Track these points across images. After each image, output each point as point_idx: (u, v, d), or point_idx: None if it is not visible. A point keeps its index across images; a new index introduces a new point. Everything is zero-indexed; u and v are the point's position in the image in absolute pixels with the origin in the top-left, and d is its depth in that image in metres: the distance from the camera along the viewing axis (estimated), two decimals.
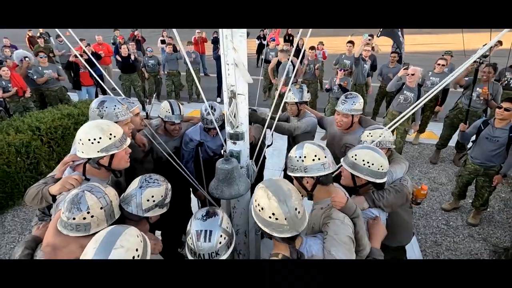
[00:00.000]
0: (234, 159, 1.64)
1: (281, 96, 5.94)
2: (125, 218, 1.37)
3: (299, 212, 1.13)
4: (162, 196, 1.45)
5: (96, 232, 1.14)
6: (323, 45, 8.18)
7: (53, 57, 8.44)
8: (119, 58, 6.87)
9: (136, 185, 1.42)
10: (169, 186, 1.52)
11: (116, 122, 1.67)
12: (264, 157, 2.96)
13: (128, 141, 1.56)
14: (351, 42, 6.33)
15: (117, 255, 0.93)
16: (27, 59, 5.75)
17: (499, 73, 5.13)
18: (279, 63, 6.03)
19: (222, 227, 1.25)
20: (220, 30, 1.36)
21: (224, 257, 1.26)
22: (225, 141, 1.76)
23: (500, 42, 5.74)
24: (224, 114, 2.33)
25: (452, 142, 4.80)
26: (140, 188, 1.40)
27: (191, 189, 2.83)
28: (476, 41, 5.99)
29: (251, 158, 1.84)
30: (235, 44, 1.36)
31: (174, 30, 1.20)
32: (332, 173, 1.45)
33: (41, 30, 10.43)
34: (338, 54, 6.61)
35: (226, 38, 1.35)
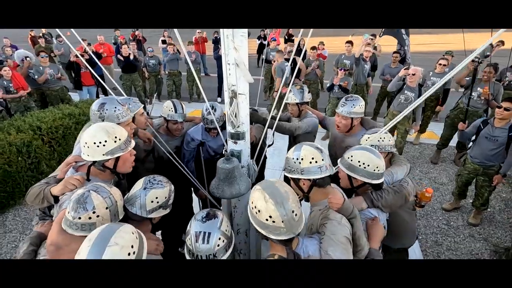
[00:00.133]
0: (235, 158, 1.64)
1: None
2: (128, 219, 1.37)
3: (296, 215, 1.13)
4: (165, 198, 1.46)
5: None
6: (324, 45, 8.19)
7: (54, 57, 8.45)
8: (121, 58, 6.88)
9: (140, 186, 1.42)
10: (172, 187, 1.53)
11: (118, 124, 1.68)
12: (265, 157, 2.96)
13: (133, 143, 1.56)
14: (349, 42, 6.32)
15: (111, 252, 0.92)
16: (28, 59, 5.77)
17: (500, 73, 5.13)
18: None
19: (221, 230, 1.25)
20: (221, 29, 1.36)
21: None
22: (226, 140, 1.76)
23: (502, 42, 5.74)
24: (225, 114, 2.34)
25: (453, 142, 4.80)
26: (144, 190, 1.40)
27: (192, 188, 2.83)
28: (477, 41, 5.98)
29: (252, 157, 1.84)
30: (236, 44, 1.36)
31: (175, 30, 1.20)
32: (330, 175, 1.45)
33: (43, 30, 10.44)
34: (338, 54, 6.60)
35: (227, 37, 1.35)
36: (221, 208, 2.09)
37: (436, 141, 4.96)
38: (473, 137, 3.33)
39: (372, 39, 7.52)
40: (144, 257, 1.02)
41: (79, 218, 1.17)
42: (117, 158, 1.48)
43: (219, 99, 7.67)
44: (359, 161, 1.53)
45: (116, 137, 1.44)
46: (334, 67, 6.51)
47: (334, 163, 1.77)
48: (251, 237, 1.93)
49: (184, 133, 2.53)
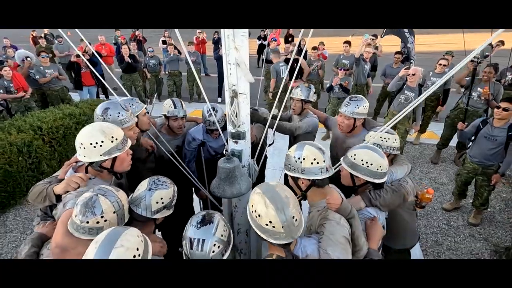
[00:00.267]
0: (235, 158, 1.64)
1: (274, 96, 5.96)
2: (133, 219, 1.38)
3: (296, 220, 1.13)
4: (170, 198, 1.47)
5: None
6: (324, 45, 8.20)
7: (54, 57, 8.46)
8: (128, 60, 6.81)
9: (145, 188, 1.42)
10: (176, 188, 1.53)
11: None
12: (265, 157, 2.97)
13: (130, 142, 1.56)
14: (347, 42, 6.32)
15: (117, 254, 0.94)
16: (28, 59, 5.78)
17: (500, 73, 5.13)
18: (286, 61, 6.02)
19: (216, 236, 1.23)
20: (222, 29, 1.36)
21: None
22: (227, 140, 1.76)
23: (502, 42, 5.74)
24: (225, 115, 2.35)
25: (453, 142, 4.81)
26: (150, 191, 1.41)
27: (193, 188, 2.83)
28: (477, 41, 5.97)
29: (252, 157, 1.84)
30: (237, 44, 1.36)
31: (176, 30, 1.20)
32: (328, 176, 1.45)
33: (45, 30, 10.44)
34: (338, 54, 6.60)
35: (228, 37, 1.35)
36: (221, 207, 2.10)
37: (436, 141, 4.97)
38: (473, 137, 3.33)
39: (373, 39, 7.53)
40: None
41: (87, 222, 1.17)
42: (114, 158, 1.47)
43: (219, 99, 7.68)
44: (362, 160, 1.53)
45: (112, 137, 1.43)
46: (333, 67, 6.51)
47: (335, 163, 1.77)
48: (251, 236, 1.94)
49: (186, 132, 2.54)
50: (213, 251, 1.21)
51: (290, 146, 2.99)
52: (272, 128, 2.38)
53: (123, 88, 2.19)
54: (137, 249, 0.98)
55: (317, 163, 1.39)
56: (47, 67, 5.77)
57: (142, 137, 2.19)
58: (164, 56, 7.56)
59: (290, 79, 1.98)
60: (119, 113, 1.74)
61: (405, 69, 4.52)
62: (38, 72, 5.65)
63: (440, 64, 4.87)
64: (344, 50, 6.33)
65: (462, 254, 3.10)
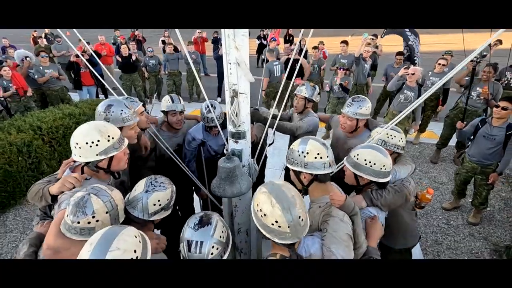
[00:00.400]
0: (236, 157, 1.64)
1: (270, 94, 5.94)
2: (130, 221, 1.35)
3: (302, 220, 1.12)
4: (168, 200, 1.43)
5: None
6: (324, 44, 8.20)
7: (53, 57, 8.45)
8: (119, 59, 6.88)
9: (142, 189, 1.39)
10: (174, 188, 1.50)
11: (122, 127, 1.65)
12: (265, 156, 2.97)
13: (126, 142, 1.52)
14: (344, 42, 6.31)
15: (113, 258, 0.89)
16: (28, 58, 5.77)
17: (500, 72, 5.14)
18: (287, 61, 6.02)
19: (214, 238, 1.20)
20: (222, 29, 1.37)
21: None
22: (227, 140, 1.76)
23: (500, 41, 5.75)
24: (224, 113, 2.35)
25: (453, 142, 4.81)
26: (146, 192, 1.37)
27: (193, 188, 2.84)
28: (477, 41, 5.99)
29: (252, 157, 1.85)
30: (238, 43, 1.36)
31: (177, 30, 1.20)
32: (331, 172, 1.46)
33: (46, 30, 10.42)
34: (336, 54, 6.60)
35: (228, 37, 1.35)
36: (221, 207, 2.10)
37: (436, 140, 4.97)
38: (472, 136, 3.34)
39: (373, 39, 7.53)
40: None
41: (78, 222, 1.13)
42: (111, 158, 1.44)
43: (218, 99, 7.68)
44: (365, 160, 1.52)
45: (109, 136, 1.40)
46: (331, 67, 6.52)
47: (336, 164, 1.77)
48: (251, 236, 1.94)
49: (186, 130, 2.54)
50: (212, 253, 1.18)
51: (290, 146, 3.00)
52: (273, 128, 2.38)
53: (121, 89, 2.19)
54: (135, 251, 0.94)
55: (321, 158, 1.39)
56: (46, 67, 5.76)
57: (143, 135, 2.18)
58: (164, 56, 7.56)
59: (290, 79, 1.98)
60: (122, 110, 1.72)
61: (404, 68, 4.52)
62: (38, 72, 5.65)
63: (439, 64, 4.87)
64: (341, 50, 6.33)
65: (462, 253, 3.11)
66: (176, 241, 1.77)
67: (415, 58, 5.67)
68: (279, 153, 4.60)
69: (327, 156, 1.41)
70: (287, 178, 1.72)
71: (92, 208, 1.15)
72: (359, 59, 5.51)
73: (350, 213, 1.37)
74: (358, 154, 1.56)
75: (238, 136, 1.65)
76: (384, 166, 1.52)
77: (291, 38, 11.92)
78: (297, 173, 1.47)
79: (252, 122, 2.43)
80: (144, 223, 1.41)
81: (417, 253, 3.04)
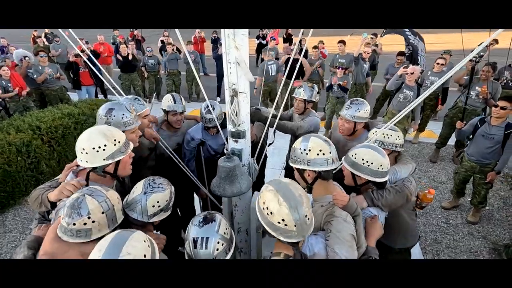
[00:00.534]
0: (235, 157, 1.64)
1: (265, 93, 5.94)
2: (129, 223, 1.34)
3: (308, 219, 1.12)
4: (167, 201, 1.43)
5: (97, 238, 1.11)
6: (323, 44, 8.20)
7: (52, 56, 8.43)
8: (120, 58, 6.88)
9: (140, 191, 1.38)
10: (173, 188, 1.50)
11: (123, 131, 1.62)
12: (265, 156, 2.97)
13: (132, 145, 1.52)
14: (342, 41, 6.32)
15: None
16: (27, 58, 5.76)
17: (498, 72, 5.15)
18: (287, 60, 6.03)
19: (219, 234, 1.21)
20: (222, 29, 1.37)
21: None
22: (226, 139, 1.77)
23: (496, 41, 5.76)
24: (223, 113, 2.35)
25: (452, 141, 4.83)
26: (145, 194, 1.36)
27: (193, 187, 2.83)
28: (475, 41, 6.00)
29: (252, 156, 1.85)
30: (237, 43, 1.36)
31: (176, 30, 1.20)
32: (334, 168, 1.46)
33: (46, 30, 10.38)
34: (334, 54, 6.61)
35: (228, 36, 1.35)
36: (221, 206, 2.10)
37: (435, 140, 4.99)
38: (470, 135, 3.35)
39: (373, 38, 7.54)
40: None
41: (74, 224, 1.11)
42: (117, 162, 1.42)
43: (218, 99, 7.68)
44: (363, 159, 1.53)
45: (115, 140, 1.39)
46: (329, 67, 6.52)
47: None
48: (251, 235, 1.94)
49: (186, 130, 2.54)
50: (217, 249, 1.19)
51: (290, 145, 3.00)
52: (273, 127, 2.38)
53: (119, 89, 2.18)
54: (144, 256, 0.94)
55: (323, 154, 1.40)
56: (45, 66, 5.75)
57: (146, 129, 2.16)
58: (163, 55, 7.55)
59: (290, 79, 1.98)
60: (123, 114, 1.70)
61: (403, 67, 4.53)
62: (37, 72, 5.63)
63: (438, 64, 4.89)
64: (339, 50, 6.33)
65: (461, 252, 3.12)
66: (175, 241, 1.76)
67: (418, 57, 5.64)
68: (279, 153, 4.60)
69: (330, 152, 1.41)
70: (287, 177, 1.72)
71: (87, 209, 1.13)
72: (358, 59, 5.51)
73: (353, 213, 1.37)
74: (356, 154, 1.57)
75: (238, 135, 1.65)
76: (381, 165, 1.52)
77: (290, 38, 11.92)
78: (301, 171, 1.47)
79: (252, 122, 2.44)
80: (144, 225, 1.40)
81: (416, 252, 3.04)
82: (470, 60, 4.00)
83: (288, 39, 11.84)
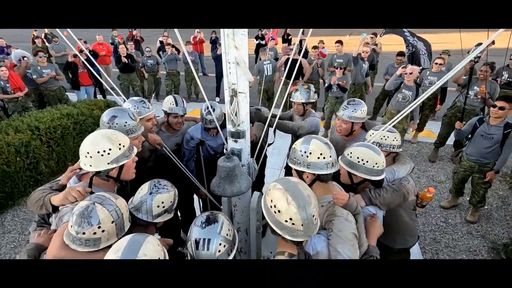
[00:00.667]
0: (235, 157, 1.65)
1: (267, 91, 5.94)
2: (134, 224, 1.35)
3: (315, 219, 1.12)
4: (171, 202, 1.45)
5: (105, 248, 1.12)
6: (324, 43, 8.21)
7: (50, 57, 8.41)
8: (124, 60, 6.81)
9: (146, 191, 1.41)
10: (176, 191, 1.52)
11: None
12: (265, 156, 2.97)
13: (135, 149, 1.51)
14: (339, 41, 6.33)
15: None
16: (25, 59, 5.74)
17: (497, 72, 5.17)
18: (287, 61, 6.03)
19: (221, 235, 1.21)
20: (221, 29, 1.37)
21: None
22: (226, 139, 1.77)
23: (492, 42, 5.79)
24: (223, 114, 2.35)
25: (450, 141, 4.84)
26: (150, 194, 1.39)
27: (193, 187, 2.83)
28: (474, 41, 6.04)
29: (252, 156, 1.85)
30: (237, 43, 1.37)
31: (176, 30, 1.20)
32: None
33: (46, 30, 10.34)
34: (334, 54, 6.61)
35: (227, 36, 1.36)
36: (221, 206, 2.10)
37: (434, 139, 5.00)
38: (469, 135, 3.36)
39: (372, 37, 7.55)
40: None
41: (83, 233, 1.10)
42: (121, 166, 1.41)
43: (217, 99, 7.68)
44: (358, 158, 1.54)
45: (120, 144, 1.38)
46: (327, 67, 6.53)
47: None
48: (251, 235, 1.94)
49: (185, 130, 2.54)
50: (219, 251, 1.19)
51: (291, 145, 3.01)
52: (274, 128, 2.38)
53: (117, 89, 2.18)
54: (158, 259, 0.97)
55: (324, 158, 1.40)
56: (44, 67, 5.74)
57: (148, 134, 2.16)
58: (162, 56, 7.55)
59: (289, 79, 1.98)
60: (126, 122, 1.69)
61: (402, 67, 4.54)
62: (35, 72, 5.62)
63: (436, 63, 4.90)
64: (336, 50, 6.34)
65: (460, 251, 3.12)
66: (175, 241, 1.76)
67: (420, 58, 5.60)
68: (279, 153, 4.61)
69: (330, 156, 1.41)
70: (287, 172, 1.73)
71: (98, 218, 1.12)
72: (357, 59, 5.52)
73: (353, 212, 1.38)
74: (351, 153, 1.58)
75: (237, 135, 1.65)
76: (376, 164, 1.53)
77: (289, 38, 11.93)
78: (300, 173, 1.47)
79: (252, 122, 2.44)
80: (147, 226, 1.42)
81: (415, 251, 3.05)
82: (470, 60, 4.02)
83: (287, 39, 11.85)
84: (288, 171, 2.84)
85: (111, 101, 5.84)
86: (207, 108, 2.30)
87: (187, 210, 2.88)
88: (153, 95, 7.92)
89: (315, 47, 6.43)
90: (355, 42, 6.28)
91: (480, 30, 1.24)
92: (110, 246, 1.13)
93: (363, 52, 5.62)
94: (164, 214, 1.43)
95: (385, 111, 4.92)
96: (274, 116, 2.04)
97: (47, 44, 9.20)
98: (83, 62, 5.88)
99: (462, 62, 1.30)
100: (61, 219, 1.31)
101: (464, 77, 4.53)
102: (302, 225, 1.08)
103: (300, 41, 6.83)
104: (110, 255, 0.95)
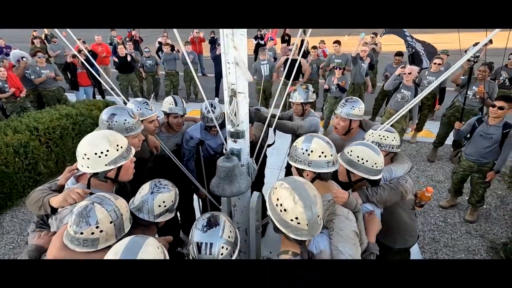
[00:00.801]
0: (235, 157, 1.65)
1: (264, 91, 5.95)
2: (136, 224, 1.34)
3: (320, 219, 1.13)
4: (172, 201, 1.45)
5: (104, 248, 1.12)
6: (325, 43, 8.21)
7: (49, 57, 8.39)
8: (116, 60, 6.86)
9: (147, 191, 1.40)
10: (177, 191, 1.52)
11: (125, 137, 1.59)
12: (265, 156, 2.97)
13: (133, 150, 1.51)
14: (337, 42, 6.34)
15: None
16: (24, 59, 5.73)
17: (495, 72, 5.18)
18: (286, 61, 6.04)
19: (223, 238, 1.20)
20: (220, 29, 1.37)
21: None
22: (225, 139, 1.77)
23: (490, 41, 5.81)
24: (223, 113, 2.35)
25: (449, 140, 4.85)
26: (152, 194, 1.39)
27: (192, 187, 2.83)
28: (472, 40, 6.04)
29: (251, 156, 1.85)
30: (236, 43, 1.37)
31: (175, 30, 1.20)
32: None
33: (46, 31, 10.31)
34: (332, 55, 6.62)
35: (227, 36, 1.36)
36: (220, 207, 2.10)
37: (433, 139, 5.01)
38: (468, 135, 3.37)
39: (373, 37, 7.57)
40: None
41: (81, 233, 1.10)
42: (119, 167, 1.40)
43: (216, 99, 7.67)
44: (358, 157, 1.55)
45: (118, 145, 1.37)
46: (326, 67, 6.53)
47: None
48: (250, 235, 1.94)
49: (185, 130, 2.54)
50: (222, 254, 1.19)
51: (291, 145, 3.01)
52: (274, 128, 2.38)
53: (116, 89, 2.17)
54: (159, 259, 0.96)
55: (325, 156, 1.40)
56: (43, 67, 5.72)
57: (149, 136, 2.14)
58: (161, 56, 7.54)
59: (288, 79, 1.98)
60: (125, 119, 1.69)
61: (401, 67, 4.55)
62: (34, 73, 5.61)
63: (435, 63, 4.91)
64: (334, 50, 6.36)
65: (459, 251, 3.13)
66: (174, 241, 1.75)
67: (421, 58, 5.60)
68: (278, 153, 4.61)
69: (331, 155, 1.42)
70: (287, 172, 1.73)
71: (96, 218, 1.11)
72: (356, 59, 5.53)
73: (353, 209, 1.39)
74: (351, 151, 1.59)
75: (237, 135, 1.65)
76: (376, 163, 1.54)
77: (288, 38, 11.93)
78: (300, 171, 1.48)
79: (252, 122, 2.44)
80: (148, 226, 1.41)
81: (415, 251, 3.05)
82: (468, 60, 4.03)
83: (286, 40, 11.85)
84: (289, 171, 2.84)
85: (110, 101, 5.83)
86: (209, 106, 2.30)
87: (186, 210, 2.88)
88: (152, 95, 7.91)
89: (314, 47, 6.44)
90: (354, 42, 6.29)
91: (479, 30, 1.24)
92: (109, 247, 1.13)
93: (361, 51, 5.63)
94: (165, 214, 1.43)
95: (384, 111, 4.93)
96: (273, 116, 2.04)
97: (47, 44, 9.17)
98: (82, 63, 5.87)
99: (459, 61, 1.30)
100: (62, 221, 1.30)
101: (462, 77, 4.54)
102: (307, 224, 1.09)
103: (302, 41, 6.85)
104: (109, 257, 0.95)
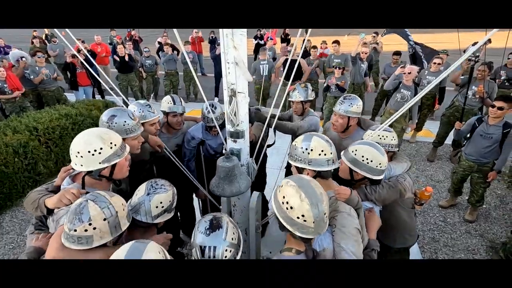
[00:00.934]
0: (234, 157, 1.65)
1: (262, 90, 5.95)
2: (134, 225, 1.33)
3: (326, 217, 1.13)
4: (170, 201, 1.44)
5: (99, 246, 1.12)
6: (326, 44, 8.22)
7: (49, 57, 8.38)
8: (117, 58, 6.86)
9: (143, 192, 1.39)
10: (175, 190, 1.51)
11: (125, 138, 1.61)
12: (265, 156, 2.97)
13: (128, 148, 1.50)
14: (336, 42, 6.35)
15: None
16: (23, 59, 5.72)
17: (495, 71, 5.19)
18: (285, 61, 6.04)
19: (226, 241, 1.18)
20: (220, 29, 1.37)
21: None
22: (225, 139, 1.77)
23: (489, 40, 5.81)
24: (224, 113, 2.35)
25: (449, 140, 4.85)
26: (148, 195, 1.37)
27: (192, 187, 2.83)
28: (472, 40, 6.06)
29: (251, 156, 1.85)
30: (236, 43, 1.37)
31: (175, 30, 1.20)
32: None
33: (46, 31, 10.29)
34: (331, 55, 6.62)
35: (226, 36, 1.36)
36: (220, 207, 2.10)
37: (432, 139, 5.01)
38: (468, 135, 3.37)
39: (374, 36, 7.56)
40: None
41: (75, 230, 1.09)
42: (114, 165, 1.39)
43: (216, 99, 7.68)
44: (363, 156, 1.56)
45: (111, 143, 1.36)
46: (326, 67, 6.53)
47: None
48: (250, 235, 1.94)
49: (185, 130, 2.54)
50: (225, 256, 1.18)
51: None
52: (274, 128, 2.38)
53: (116, 89, 2.17)
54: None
55: (325, 154, 1.41)
56: (42, 67, 5.72)
57: (150, 136, 2.12)
58: (162, 56, 7.53)
59: (288, 79, 1.98)
60: (125, 121, 1.69)
61: (401, 67, 4.55)
62: (33, 73, 5.60)
63: (435, 63, 4.91)
64: (333, 50, 6.35)
65: (459, 251, 3.13)
66: (174, 242, 1.74)
67: (422, 59, 5.59)
68: (278, 153, 4.61)
69: (331, 153, 1.43)
70: (287, 172, 1.74)
71: (88, 215, 1.10)
72: (355, 59, 5.53)
73: (355, 206, 1.40)
74: (356, 150, 1.59)
75: (236, 135, 1.65)
76: (380, 164, 1.55)
77: (287, 38, 11.93)
78: (300, 170, 1.48)
79: (252, 122, 2.44)
80: (148, 227, 1.41)
81: (414, 251, 3.06)
82: (469, 60, 4.03)
83: (285, 39, 11.85)
84: (289, 171, 2.84)
85: (110, 101, 5.83)
86: (209, 106, 2.30)
87: (186, 210, 2.88)
88: (151, 95, 7.91)
89: (314, 47, 6.44)
90: (353, 42, 6.29)
91: (478, 30, 1.24)
92: (105, 245, 1.14)
93: (362, 53, 5.63)
94: (163, 214, 1.42)
95: (383, 111, 4.93)
96: (273, 116, 2.04)
97: (47, 44, 9.16)
98: (81, 62, 5.87)
99: (457, 61, 1.30)
100: (58, 222, 1.30)
101: (462, 77, 4.54)
102: (313, 222, 1.09)
103: (303, 41, 6.81)
104: None
